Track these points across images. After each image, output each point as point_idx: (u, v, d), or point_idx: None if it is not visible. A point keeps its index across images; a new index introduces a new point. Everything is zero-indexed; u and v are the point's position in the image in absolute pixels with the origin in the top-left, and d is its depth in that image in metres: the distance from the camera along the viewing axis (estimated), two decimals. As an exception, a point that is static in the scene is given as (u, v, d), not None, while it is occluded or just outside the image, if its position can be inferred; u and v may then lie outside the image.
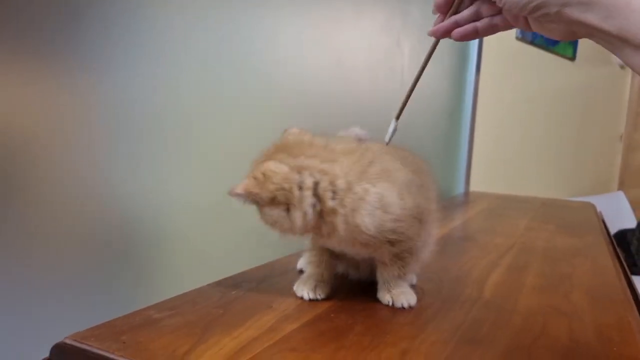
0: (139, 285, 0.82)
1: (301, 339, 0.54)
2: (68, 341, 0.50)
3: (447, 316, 0.64)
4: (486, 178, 2.45)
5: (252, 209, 0.63)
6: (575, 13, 0.46)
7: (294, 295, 0.69)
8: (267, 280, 0.75)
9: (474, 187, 2.35)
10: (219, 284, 0.72)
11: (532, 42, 2.63)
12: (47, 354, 0.51)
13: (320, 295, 0.68)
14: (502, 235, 1.22)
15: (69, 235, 0.71)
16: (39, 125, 0.65)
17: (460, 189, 2.31)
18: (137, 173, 0.80)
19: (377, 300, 0.68)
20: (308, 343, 0.53)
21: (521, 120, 2.74)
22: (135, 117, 0.78)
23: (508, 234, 1.24)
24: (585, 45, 3.10)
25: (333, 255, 0.70)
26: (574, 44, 3.02)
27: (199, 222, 0.91)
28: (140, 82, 0.78)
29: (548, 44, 2.77)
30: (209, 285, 0.71)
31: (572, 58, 3.05)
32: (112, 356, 0.47)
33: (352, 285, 0.75)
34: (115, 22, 0.73)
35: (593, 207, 1.91)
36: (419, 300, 0.70)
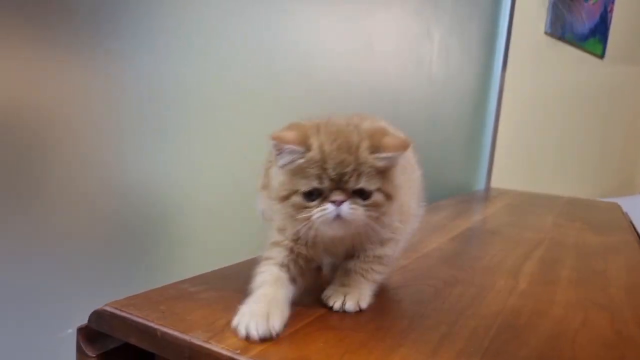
0: (157, 269, 0.80)
1: (338, 319, 0.53)
2: (108, 308, 0.49)
3: (484, 303, 0.63)
4: (508, 174, 2.41)
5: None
6: None
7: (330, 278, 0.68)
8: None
9: (495, 183, 2.31)
10: (249, 262, 0.71)
11: (561, 38, 2.57)
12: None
13: (274, 329, 0.49)
14: (530, 229, 1.20)
15: (88, 223, 0.69)
16: (59, 115, 0.64)
17: (481, 184, 2.28)
18: (157, 157, 0.78)
19: (411, 285, 0.67)
20: (346, 322, 0.52)
21: (546, 117, 2.69)
22: (154, 106, 0.77)
23: (536, 228, 1.22)
24: (614, 43, 3.04)
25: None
26: (604, 42, 2.96)
27: (215, 201, 0.89)
28: (160, 74, 0.76)
29: (577, 40, 2.71)
30: (237, 264, 0.70)
31: (601, 56, 2.98)
32: (152, 324, 0.47)
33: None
34: (133, 5, 0.71)
35: (619, 207, 1.87)
36: (454, 286, 0.68)
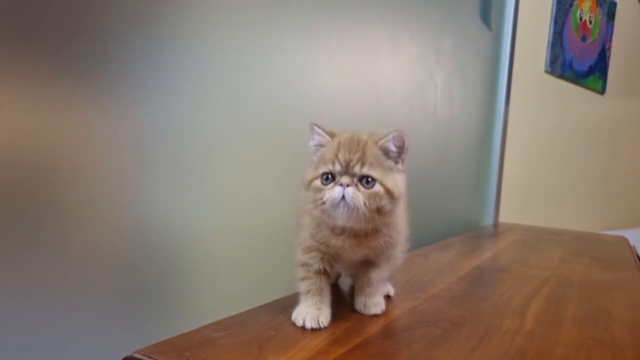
0: (173, 314, 0.83)
1: (352, 361, 0.57)
2: (137, 355, 0.53)
3: (491, 344, 0.66)
4: (516, 210, 2.44)
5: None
6: None
7: (342, 319, 0.71)
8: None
9: (503, 218, 2.34)
10: (266, 306, 0.75)
11: (561, 76, 2.64)
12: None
13: (323, 323, 0.68)
14: (536, 267, 1.22)
15: (101, 259, 0.72)
16: (71, 149, 0.67)
17: (489, 220, 2.31)
18: (172, 195, 0.82)
19: (420, 327, 0.70)
20: (360, 365, 0.56)
21: (550, 153, 2.73)
22: (167, 141, 0.79)
23: (543, 266, 1.24)
24: (615, 79, 3.11)
25: (328, 282, 0.74)
26: (604, 78, 3.03)
27: (228, 246, 0.92)
28: (171, 106, 0.80)
29: (577, 78, 2.78)
30: (256, 308, 0.74)
31: (602, 92, 3.04)
32: (180, 370, 0.50)
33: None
34: (149, 44, 0.75)
35: (627, 241, 1.88)
36: (462, 327, 0.71)
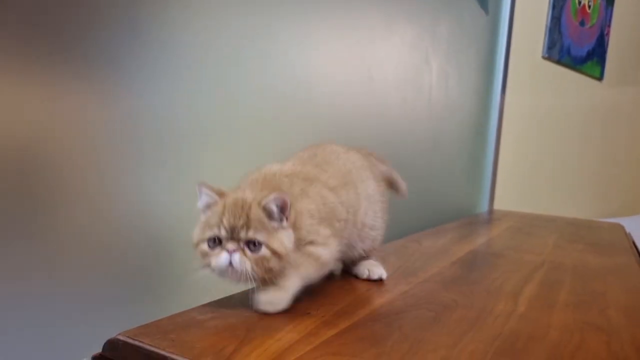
0: (163, 297, 0.82)
1: (342, 344, 0.55)
2: (121, 337, 0.52)
3: (483, 327, 0.65)
4: (510, 197, 2.43)
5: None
6: None
7: (330, 302, 0.70)
8: (303, 290, 0.77)
9: (498, 205, 2.34)
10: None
11: (558, 62, 2.62)
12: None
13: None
14: (530, 252, 1.21)
15: (96, 246, 0.71)
16: (66, 138, 0.66)
17: (484, 207, 2.30)
18: (165, 184, 0.81)
19: (412, 310, 0.69)
20: (349, 348, 0.54)
21: (547, 140, 2.72)
22: (161, 129, 0.79)
23: (537, 251, 1.23)
24: (613, 65, 3.09)
25: None
26: (602, 64, 3.01)
27: None
28: (167, 94, 0.79)
29: (575, 63, 2.76)
30: (244, 291, 0.72)
31: (600, 78, 3.03)
32: (163, 353, 0.49)
33: (380, 293, 0.76)
34: (143, 36, 0.74)
35: (622, 228, 1.88)
36: (454, 310, 0.70)
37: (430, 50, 1.60)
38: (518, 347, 0.59)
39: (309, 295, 0.73)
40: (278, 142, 1.00)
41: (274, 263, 0.63)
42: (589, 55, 2.88)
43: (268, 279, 0.64)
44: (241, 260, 0.61)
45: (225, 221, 0.62)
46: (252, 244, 0.62)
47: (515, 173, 2.50)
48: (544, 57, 2.55)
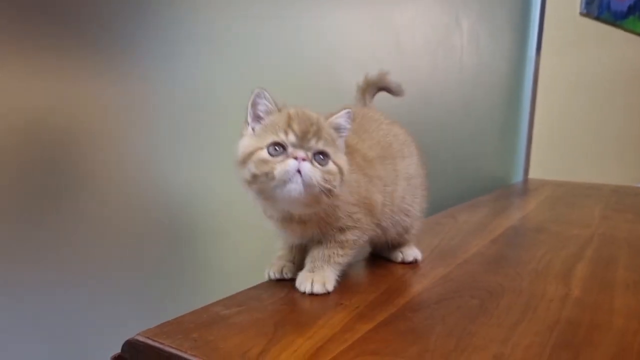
0: (196, 277, 0.80)
1: (380, 341, 0.50)
2: (140, 338, 0.48)
3: (536, 316, 0.58)
4: (546, 164, 2.32)
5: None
6: None
7: (364, 291, 0.64)
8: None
9: (534, 174, 2.23)
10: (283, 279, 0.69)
11: (597, 18, 2.45)
12: (112, 349, 0.49)
13: (287, 274, 0.67)
14: (576, 225, 1.13)
15: (123, 229, 0.69)
16: (90, 121, 0.64)
17: (519, 176, 2.20)
18: (183, 160, 0.77)
19: (454, 298, 0.63)
20: (388, 345, 0.49)
21: (585, 102, 2.57)
22: (188, 109, 0.76)
23: (583, 223, 1.15)
24: (655, 19, 2.88)
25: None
26: (643, 19, 2.81)
27: (246, 211, 0.88)
28: (188, 75, 0.75)
29: (616, 19, 2.58)
30: (272, 280, 0.68)
31: (641, 34, 2.83)
32: (184, 355, 0.45)
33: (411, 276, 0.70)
34: (160, 11, 0.71)
35: (670, 193, 1.76)
36: (501, 296, 0.64)
37: (460, 10, 1.49)
38: (580, 339, 0.52)
39: (339, 281, 0.68)
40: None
41: (337, 182, 0.58)
42: (631, 10, 2.69)
43: (320, 209, 0.59)
44: (312, 170, 0.55)
45: (295, 126, 0.56)
46: (321, 156, 0.57)
47: (552, 139, 2.37)
48: (582, 14, 2.39)
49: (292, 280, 0.67)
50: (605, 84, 2.67)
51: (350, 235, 0.65)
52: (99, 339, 0.64)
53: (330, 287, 0.63)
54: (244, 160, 0.57)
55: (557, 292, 0.67)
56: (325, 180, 0.56)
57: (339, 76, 1.03)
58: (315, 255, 0.64)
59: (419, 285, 0.68)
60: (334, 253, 0.64)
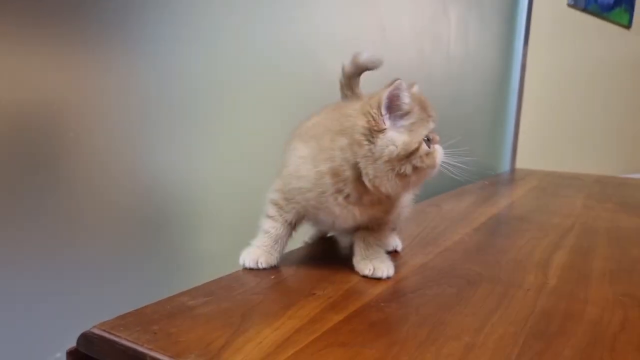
0: (172, 261, 0.79)
1: (349, 332, 0.48)
2: (96, 331, 0.46)
3: (512, 305, 0.57)
4: (533, 154, 2.32)
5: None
6: None
7: (340, 280, 0.63)
8: (308, 263, 0.70)
9: (521, 164, 2.23)
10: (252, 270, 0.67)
11: (584, 9, 2.44)
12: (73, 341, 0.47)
13: (261, 264, 0.66)
14: (558, 214, 1.12)
15: (102, 213, 0.68)
16: (78, 103, 0.63)
17: (505, 166, 2.20)
18: (172, 150, 0.76)
19: (431, 287, 0.62)
20: (357, 336, 0.47)
21: (571, 93, 2.57)
22: (170, 95, 0.74)
23: (565, 213, 1.14)
24: (642, 11, 2.88)
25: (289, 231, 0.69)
26: (630, 11, 2.80)
27: (234, 199, 0.87)
28: (175, 60, 0.74)
29: (602, 11, 2.57)
30: (245, 269, 0.66)
31: (628, 26, 2.83)
32: (141, 348, 0.43)
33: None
34: (158, 10, 0.70)
35: (653, 184, 1.77)
36: (478, 285, 0.63)
37: (448, 0, 1.47)
38: (553, 329, 0.51)
39: (316, 271, 0.66)
40: (287, 101, 0.92)
41: None
42: (617, 2, 2.68)
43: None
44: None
45: (432, 111, 0.60)
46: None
47: (538, 129, 2.37)
48: (569, 5, 2.38)
49: (265, 269, 0.65)
50: (591, 75, 2.68)
51: (390, 217, 0.67)
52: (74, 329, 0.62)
53: (392, 271, 0.65)
54: (408, 157, 0.58)
55: (535, 281, 0.66)
56: None
57: (323, 65, 1.01)
58: (368, 242, 0.66)
59: (397, 274, 0.66)
60: (382, 235, 0.67)
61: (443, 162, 0.61)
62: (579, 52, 2.55)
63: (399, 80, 0.57)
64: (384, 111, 0.57)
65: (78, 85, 0.63)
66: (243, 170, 0.88)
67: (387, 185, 0.59)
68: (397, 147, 0.57)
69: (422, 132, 0.58)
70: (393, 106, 0.58)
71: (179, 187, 0.78)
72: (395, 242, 0.77)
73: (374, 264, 0.65)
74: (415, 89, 0.63)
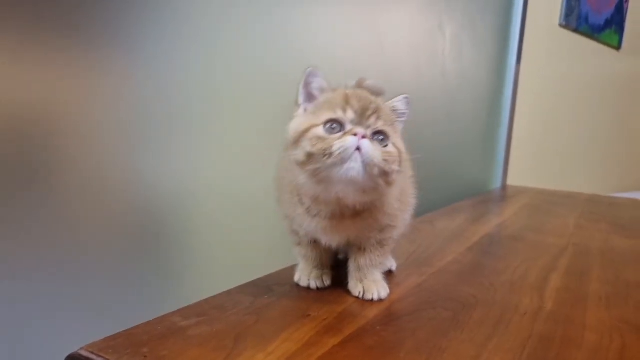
0: (167, 277, 0.77)
1: (345, 357, 0.47)
2: (83, 352, 0.44)
3: (509, 330, 0.56)
4: (525, 171, 2.33)
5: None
6: None
7: (334, 301, 0.62)
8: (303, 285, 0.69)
9: (512, 181, 2.23)
10: (250, 285, 0.66)
11: (576, 30, 2.48)
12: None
13: (327, 282, 0.66)
14: (552, 234, 1.12)
15: (96, 225, 0.66)
16: (69, 112, 0.62)
17: (497, 183, 2.20)
18: (167, 161, 0.75)
19: (427, 309, 0.61)
20: (354, 362, 0.46)
21: (563, 111, 2.60)
22: (166, 104, 0.73)
23: (559, 233, 1.14)
24: (631, 34, 2.93)
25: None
26: (620, 33, 2.85)
27: (231, 213, 0.86)
28: (171, 67, 0.73)
29: (593, 32, 2.61)
30: (239, 287, 0.65)
31: (618, 47, 2.87)
32: (131, 374, 0.41)
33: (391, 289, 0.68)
34: (148, 7, 0.68)
35: (643, 204, 1.78)
36: (474, 309, 0.62)
37: (444, 17, 1.48)
38: (552, 356, 0.51)
39: (311, 290, 0.65)
40: (283, 112, 0.91)
41: (396, 166, 0.54)
42: (608, 24, 2.73)
43: (372, 197, 0.56)
44: (373, 148, 0.51)
45: (355, 103, 0.54)
46: (380, 137, 0.54)
47: (530, 146, 2.38)
48: (561, 25, 2.41)
49: (258, 287, 0.64)
50: (583, 94, 2.71)
51: (388, 234, 0.63)
52: (63, 345, 0.60)
53: (384, 294, 0.63)
54: (297, 140, 0.53)
55: (531, 305, 0.65)
56: (385, 162, 0.52)
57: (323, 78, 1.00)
58: (360, 263, 0.64)
59: (393, 295, 0.65)
60: (377, 255, 0.64)
61: (367, 159, 0.51)
62: (570, 71, 2.58)
63: (309, 68, 0.57)
64: (300, 99, 0.58)
65: (70, 89, 0.61)
66: (242, 177, 0.87)
67: (309, 190, 0.55)
68: (289, 129, 0.55)
69: (323, 116, 0.53)
70: (307, 93, 0.58)
71: (175, 194, 0.76)
72: (390, 262, 0.76)
73: (364, 285, 0.63)
74: (369, 82, 0.63)
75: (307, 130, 0.53)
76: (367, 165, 0.51)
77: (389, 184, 0.54)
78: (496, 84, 2.07)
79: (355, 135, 0.51)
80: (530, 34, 2.16)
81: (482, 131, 2.02)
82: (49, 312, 0.62)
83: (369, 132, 0.53)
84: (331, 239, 0.61)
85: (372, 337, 0.52)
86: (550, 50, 2.42)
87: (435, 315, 0.59)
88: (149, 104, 0.71)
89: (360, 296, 0.63)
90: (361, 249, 0.64)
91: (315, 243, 0.65)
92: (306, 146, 0.52)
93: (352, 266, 0.65)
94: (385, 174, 0.53)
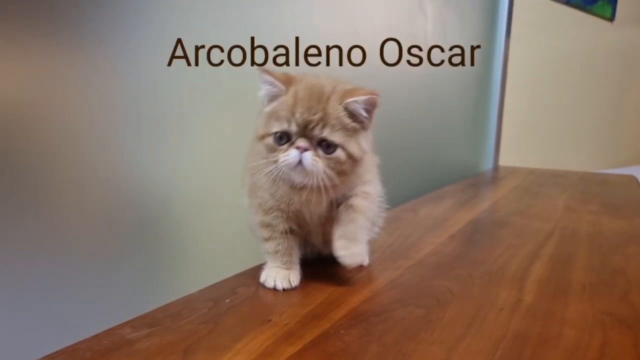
0: (156, 275, 0.76)
1: (303, 368, 0.44)
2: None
3: (483, 329, 0.53)
4: (517, 151, 2.29)
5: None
6: None
7: (300, 303, 0.58)
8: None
9: (504, 161, 2.20)
10: (213, 288, 0.63)
11: (567, 2, 2.42)
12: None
13: (294, 282, 0.63)
14: (539, 218, 1.09)
15: (78, 224, 0.65)
16: (57, 111, 0.61)
17: (488, 164, 2.16)
18: (157, 160, 0.74)
19: (398, 308, 0.58)
20: (310, 374, 0.43)
21: (554, 87, 2.55)
22: (149, 105, 0.72)
23: (546, 216, 1.11)
24: (625, 4, 2.86)
25: (295, 240, 0.66)
26: (613, 4, 2.78)
27: (221, 210, 0.84)
28: (154, 69, 0.72)
29: (585, 4, 2.55)
30: (200, 291, 0.61)
31: (611, 19, 2.81)
32: (60, 400, 0.38)
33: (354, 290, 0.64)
34: (135, 10, 0.68)
35: (635, 180, 1.75)
36: (449, 305, 0.59)
37: (424, -6, 1.43)
38: (525, 357, 0.47)
39: (277, 294, 0.62)
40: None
41: (347, 167, 0.58)
42: (600, -6, 2.66)
43: (336, 183, 0.58)
44: (313, 160, 0.55)
45: (298, 115, 0.56)
46: (327, 144, 0.56)
47: (522, 125, 2.34)
48: (551, -2, 2.35)
49: (221, 289, 0.61)
50: (574, 67, 2.66)
51: (370, 188, 0.65)
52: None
53: (366, 259, 0.70)
54: (260, 139, 0.59)
55: (509, 298, 0.62)
56: (331, 168, 0.56)
57: (291, 68, 0.96)
58: (345, 226, 0.63)
59: (362, 294, 0.62)
60: (359, 214, 0.64)
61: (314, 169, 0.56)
62: (562, 45, 2.53)
63: (257, 70, 0.59)
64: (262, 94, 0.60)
65: (58, 88, 0.61)
66: (232, 175, 0.83)
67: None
68: (257, 125, 0.60)
69: (274, 127, 0.57)
70: (265, 92, 0.60)
71: (162, 191, 0.76)
72: (373, 233, 0.74)
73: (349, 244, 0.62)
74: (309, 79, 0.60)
75: (264, 136, 0.58)
76: (309, 174, 0.56)
77: (342, 176, 0.58)
78: (485, 61, 2.02)
79: (298, 148, 0.55)
80: (519, 8, 2.10)
81: (472, 112, 1.97)
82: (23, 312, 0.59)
83: (314, 142, 0.56)
84: (319, 207, 0.62)
85: (334, 343, 0.49)
86: (540, 24, 2.36)
87: (406, 315, 0.56)
88: (139, 102, 0.70)
89: (343, 257, 0.61)
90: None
91: (288, 234, 0.64)
92: (264, 152, 0.58)
93: (338, 225, 0.63)
94: (335, 174, 0.57)
